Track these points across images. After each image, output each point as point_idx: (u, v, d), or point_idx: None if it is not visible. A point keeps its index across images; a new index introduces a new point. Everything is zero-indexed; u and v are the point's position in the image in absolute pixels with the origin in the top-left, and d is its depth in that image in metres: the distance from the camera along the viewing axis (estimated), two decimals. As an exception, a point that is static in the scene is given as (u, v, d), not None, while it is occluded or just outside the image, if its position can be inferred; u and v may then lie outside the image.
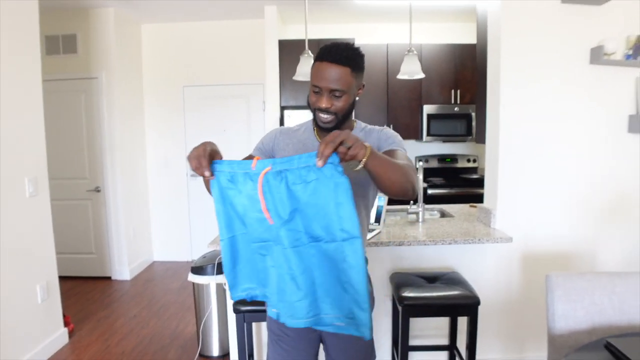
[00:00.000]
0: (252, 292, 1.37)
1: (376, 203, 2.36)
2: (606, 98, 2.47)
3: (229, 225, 1.27)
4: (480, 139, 2.92)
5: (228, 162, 1.22)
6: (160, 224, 5.09)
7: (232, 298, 1.41)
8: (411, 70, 2.76)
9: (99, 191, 4.40)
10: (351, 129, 1.56)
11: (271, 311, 1.37)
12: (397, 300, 2.08)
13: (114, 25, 4.22)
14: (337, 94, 1.38)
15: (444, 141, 4.75)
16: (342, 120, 1.45)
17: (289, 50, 4.31)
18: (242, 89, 4.83)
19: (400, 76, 2.89)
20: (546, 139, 2.48)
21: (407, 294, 2.08)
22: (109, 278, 4.53)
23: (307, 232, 1.20)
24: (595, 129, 2.50)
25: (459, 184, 4.49)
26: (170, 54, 4.84)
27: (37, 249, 2.91)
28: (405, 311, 2.04)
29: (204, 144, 1.22)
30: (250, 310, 2.04)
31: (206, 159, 1.18)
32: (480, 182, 4.51)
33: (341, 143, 1.07)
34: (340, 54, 1.36)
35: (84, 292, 4.14)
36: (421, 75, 2.82)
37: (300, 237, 1.21)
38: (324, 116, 1.42)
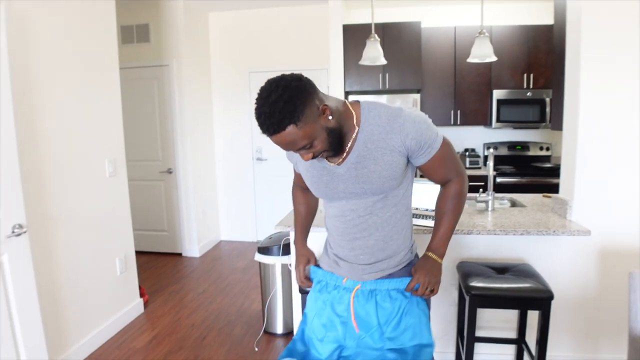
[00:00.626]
0: None
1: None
2: None
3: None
4: (557, 125, 2.76)
5: (322, 273, 1.53)
6: (228, 205, 5.30)
7: None
8: (482, 53, 2.65)
9: (171, 172, 4.65)
10: (354, 116, 1.31)
11: None
12: (465, 290, 2.04)
13: (184, 15, 4.39)
14: (305, 148, 1.23)
15: (515, 128, 4.53)
16: (336, 147, 1.28)
17: (353, 35, 4.28)
18: (306, 74, 4.80)
19: (470, 59, 2.78)
20: (631, 126, 2.30)
21: (475, 283, 2.03)
22: (179, 254, 4.81)
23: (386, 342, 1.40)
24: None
25: (531, 173, 4.29)
26: (236, 40, 4.97)
27: (116, 225, 3.14)
28: (473, 301, 2.00)
29: (299, 265, 1.63)
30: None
31: (302, 280, 1.61)
32: (553, 172, 4.29)
33: (428, 290, 1.41)
34: (271, 124, 1.15)
35: (157, 267, 4.42)
36: (493, 59, 2.70)
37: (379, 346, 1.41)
38: (322, 157, 1.32)
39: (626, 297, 2.35)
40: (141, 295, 3.47)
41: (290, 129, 1.15)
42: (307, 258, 1.63)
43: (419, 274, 1.41)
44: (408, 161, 1.37)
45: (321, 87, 4.73)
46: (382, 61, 3.02)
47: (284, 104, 1.12)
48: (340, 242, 1.45)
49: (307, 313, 1.54)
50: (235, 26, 4.94)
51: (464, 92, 4.46)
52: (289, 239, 2.90)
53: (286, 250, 2.93)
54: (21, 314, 2.23)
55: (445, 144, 1.38)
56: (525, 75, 4.29)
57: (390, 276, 1.43)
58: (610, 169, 2.33)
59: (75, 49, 2.73)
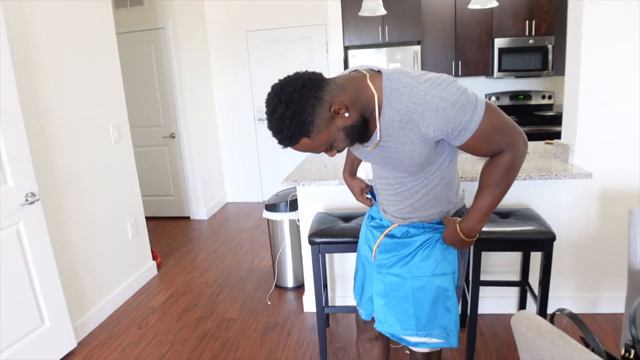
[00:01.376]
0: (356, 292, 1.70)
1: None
2: None
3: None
4: (559, 70, 2.74)
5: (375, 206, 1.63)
6: (232, 167, 5.35)
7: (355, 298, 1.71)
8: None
9: (173, 137, 4.66)
10: (374, 98, 1.20)
11: (360, 312, 1.66)
12: (469, 235, 2.10)
13: (177, -27, 4.28)
14: (327, 150, 1.21)
15: (517, 77, 4.49)
16: (360, 138, 1.23)
17: (351, -13, 4.18)
18: (304, 31, 4.78)
19: (471, 6, 2.73)
20: (631, 72, 2.28)
21: (479, 229, 2.09)
22: (187, 218, 4.90)
23: (413, 271, 1.45)
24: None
25: (533, 122, 4.28)
26: (231, -1, 4.86)
27: (125, 191, 3.19)
28: (478, 245, 2.06)
29: (354, 192, 1.75)
30: (324, 242, 2.15)
31: (365, 199, 1.73)
32: (556, 120, 4.29)
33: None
34: (283, 140, 1.12)
35: (166, 231, 4.52)
36: (494, 4, 2.65)
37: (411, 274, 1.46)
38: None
39: (624, 237, 2.42)
40: (153, 258, 3.57)
41: (304, 141, 1.12)
42: (359, 187, 1.73)
43: (444, 236, 1.41)
44: (441, 140, 1.25)
45: (320, 43, 4.72)
46: (382, 11, 2.96)
47: (290, 121, 1.07)
48: (380, 196, 1.53)
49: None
50: (229, -17, 4.82)
51: (464, 42, 4.39)
52: (295, 195, 2.96)
53: (293, 206, 2.98)
54: (42, 280, 2.33)
55: (488, 117, 1.19)
56: (527, 22, 4.20)
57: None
58: (612, 114, 2.34)
59: (72, 14, 2.68)
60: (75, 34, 2.72)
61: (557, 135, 3.93)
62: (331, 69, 4.35)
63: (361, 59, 4.14)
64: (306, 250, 2.71)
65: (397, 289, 1.45)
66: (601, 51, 2.28)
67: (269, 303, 2.97)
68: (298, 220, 3.00)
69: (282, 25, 4.79)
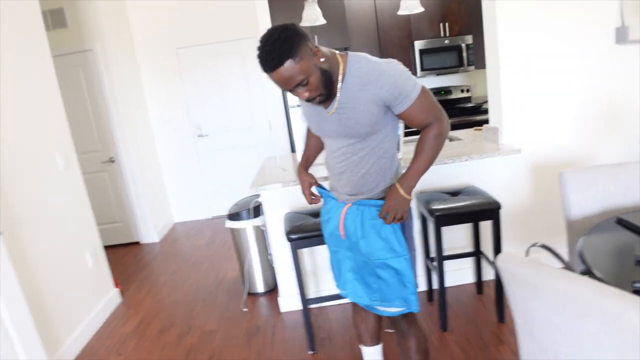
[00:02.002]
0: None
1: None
2: (594, 13, 2.67)
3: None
4: (480, 64, 3.13)
5: (326, 192, 1.80)
6: (175, 186, 5.28)
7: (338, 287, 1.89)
8: (411, 5, 2.91)
9: (113, 161, 4.53)
10: (341, 68, 1.49)
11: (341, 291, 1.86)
12: (429, 213, 2.36)
13: (101, -6, 4.20)
14: (302, 84, 1.40)
15: (438, 74, 4.93)
16: (327, 90, 1.47)
17: (278, 2, 4.36)
18: (236, 45, 4.89)
19: (400, 12, 3.04)
20: (542, 57, 2.70)
21: (437, 206, 2.36)
22: (137, 243, 4.77)
23: (372, 252, 1.66)
24: (586, 43, 2.71)
25: (456, 114, 4.73)
26: (159, 17, 4.83)
27: (79, 219, 3.10)
28: (438, 221, 2.33)
29: (304, 185, 1.89)
30: (300, 237, 2.29)
31: (309, 193, 1.89)
32: (475, 110, 4.78)
33: (396, 219, 1.58)
34: (271, 59, 1.33)
35: (118, 258, 4.38)
36: (420, 9, 2.98)
37: (369, 255, 1.68)
38: (315, 102, 1.49)
39: (554, 199, 2.83)
40: (115, 285, 3.47)
41: (288, 64, 1.33)
42: (308, 182, 1.89)
43: (387, 204, 1.57)
44: (388, 110, 1.54)
45: (253, 56, 4.84)
46: (322, 21, 3.16)
47: (282, 42, 1.31)
48: (331, 175, 1.73)
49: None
50: (156, 3, 4.79)
51: (388, 46, 4.74)
52: (258, 202, 3.07)
53: (256, 213, 3.09)
54: (13, 318, 2.23)
55: (425, 94, 1.52)
56: (441, 24, 4.65)
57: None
58: (530, 96, 2.74)
59: (6, 38, 2.59)
60: (10, 59, 2.62)
61: (479, 123, 4.41)
62: (266, 82, 4.49)
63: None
64: (278, 252, 2.83)
65: (361, 267, 1.71)
66: (514, 43, 2.67)
67: (244, 310, 3.04)
68: (263, 226, 3.11)
69: (213, 40, 4.86)
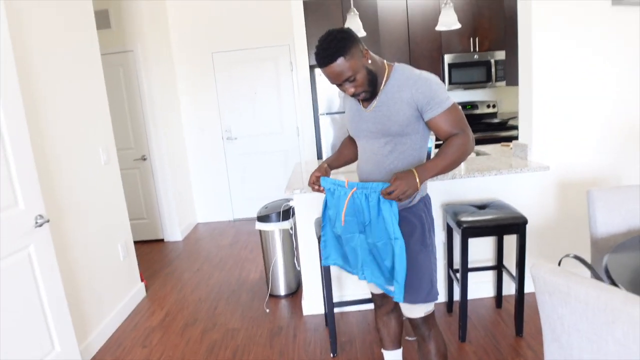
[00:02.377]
0: (337, 262, 1.92)
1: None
2: (628, 35, 2.69)
3: (325, 217, 1.87)
4: (511, 81, 3.17)
5: (331, 181, 1.77)
6: (201, 188, 5.42)
7: (323, 264, 1.97)
8: (448, 22, 2.97)
9: (145, 159, 4.69)
10: (386, 72, 1.66)
11: (353, 273, 1.87)
12: (456, 224, 2.40)
13: (144, -1, 4.39)
14: (349, 80, 1.58)
15: (465, 88, 4.97)
16: (372, 88, 1.63)
17: (314, 10, 4.49)
18: (270, 51, 5.03)
19: (438, 28, 3.10)
20: (575, 76, 2.73)
21: (465, 218, 2.40)
22: (161, 240, 4.90)
23: (375, 234, 1.68)
24: (619, 65, 2.73)
25: (481, 129, 4.75)
26: (196, 22, 5.01)
27: (115, 212, 3.23)
28: (465, 233, 2.37)
29: (314, 172, 1.82)
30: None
31: (313, 180, 1.81)
32: (500, 126, 4.80)
33: (398, 197, 1.55)
34: (326, 56, 1.52)
35: (143, 254, 4.51)
36: (458, 26, 3.03)
37: (374, 237, 1.69)
38: (359, 97, 1.66)
39: (580, 217, 2.84)
40: (140, 279, 3.59)
41: (340, 61, 1.51)
42: (324, 169, 1.85)
43: (398, 181, 1.54)
44: (419, 118, 1.64)
45: (285, 63, 4.98)
46: (362, 33, 3.24)
47: (337, 42, 1.51)
48: (361, 177, 1.83)
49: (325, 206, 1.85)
50: (195, 7, 4.98)
51: (418, 58, 4.82)
52: (287, 205, 3.15)
53: (285, 216, 3.17)
54: (51, 304, 2.35)
55: (455, 108, 1.62)
56: (471, 39, 4.71)
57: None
58: (560, 115, 2.76)
59: (61, 38, 2.75)
60: (67, 59, 2.78)
61: (503, 139, 4.44)
62: (298, 88, 4.60)
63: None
64: (305, 255, 2.90)
65: (372, 248, 1.72)
66: (548, 62, 2.70)
67: (267, 311, 3.11)
68: (291, 229, 3.19)
69: (248, 46, 5.01)
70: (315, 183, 1.81)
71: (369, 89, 1.62)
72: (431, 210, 1.82)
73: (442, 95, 1.60)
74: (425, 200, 1.81)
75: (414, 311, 1.76)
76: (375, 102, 1.68)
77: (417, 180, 1.55)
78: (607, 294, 1.02)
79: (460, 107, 1.69)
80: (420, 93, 1.59)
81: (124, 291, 3.25)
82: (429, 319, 1.79)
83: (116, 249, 3.20)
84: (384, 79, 1.66)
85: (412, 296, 1.72)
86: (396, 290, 1.66)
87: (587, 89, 2.75)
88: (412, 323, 1.81)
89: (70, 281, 2.62)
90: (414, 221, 1.73)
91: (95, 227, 2.94)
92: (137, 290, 3.43)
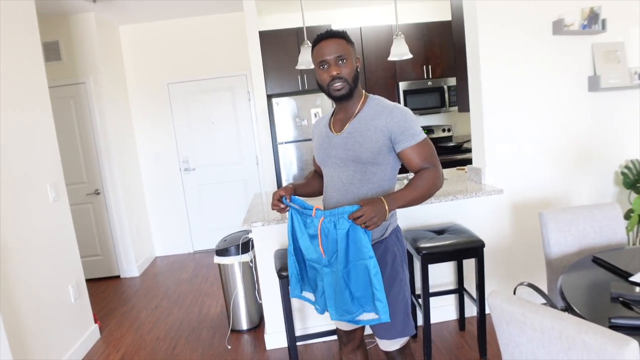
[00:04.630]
0: (306, 295, 1.81)
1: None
2: (569, 63, 2.88)
3: (294, 239, 1.74)
4: (463, 107, 3.28)
5: (300, 202, 1.70)
6: (159, 220, 5.25)
7: (291, 296, 1.81)
8: (400, 52, 3.06)
9: (98, 194, 4.51)
10: (362, 99, 1.72)
11: (316, 307, 1.76)
12: (416, 251, 2.42)
13: (96, 29, 4.30)
14: (341, 61, 1.63)
15: (421, 114, 5.12)
16: (353, 86, 1.67)
17: (270, 41, 4.53)
18: (226, 81, 5.01)
19: (391, 58, 3.19)
20: (522, 103, 2.87)
21: (424, 244, 2.42)
22: (117, 277, 4.68)
23: (345, 260, 1.61)
24: (563, 91, 2.90)
25: (438, 153, 4.78)
26: (151, 53, 4.95)
27: (65, 251, 3.06)
28: (424, 259, 2.39)
29: (279, 191, 1.71)
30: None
31: (276, 200, 1.70)
32: (456, 149, 4.94)
33: (365, 224, 1.49)
34: (331, 32, 1.66)
35: (98, 292, 4.28)
36: (409, 56, 3.13)
37: (341, 265, 1.61)
38: (336, 85, 1.64)
39: (534, 237, 2.92)
40: (94, 321, 3.40)
41: (342, 41, 1.64)
42: (290, 189, 1.73)
43: (367, 207, 1.49)
44: (391, 149, 1.63)
45: (242, 92, 4.98)
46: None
47: (345, 33, 1.68)
48: (326, 205, 1.78)
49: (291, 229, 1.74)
50: (149, 38, 4.92)
51: (373, 86, 4.92)
52: (247, 237, 3.09)
53: (245, 249, 3.10)
54: (-8, 352, 2.17)
55: (427, 142, 1.65)
56: (424, 67, 4.88)
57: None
58: (509, 140, 2.88)
59: (6, 70, 2.63)
60: (9, 90, 2.65)
61: (460, 162, 4.57)
62: (257, 116, 4.59)
63: (285, 106, 4.45)
64: (266, 288, 2.84)
65: (339, 278, 1.63)
66: (496, 89, 2.83)
67: (229, 347, 3.00)
68: (251, 262, 3.12)
69: (204, 76, 4.98)
70: (280, 201, 1.70)
71: (349, 83, 1.65)
72: (403, 242, 1.80)
73: (416, 128, 1.63)
74: (397, 232, 1.78)
75: (390, 345, 1.74)
76: (347, 128, 1.69)
77: (386, 208, 1.51)
78: (560, 322, 1.03)
79: (432, 143, 1.70)
80: (396, 122, 1.61)
81: (75, 335, 3.05)
82: (405, 349, 1.77)
83: (66, 290, 3.02)
84: (359, 104, 1.70)
85: (388, 332, 1.69)
86: (380, 310, 1.57)
87: (534, 114, 2.89)
88: (388, 356, 1.78)
89: (14, 327, 2.44)
90: (385, 257, 1.70)
91: (42, 269, 2.77)
92: (90, 333, 3.23)
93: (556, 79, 2.88)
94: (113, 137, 4.47)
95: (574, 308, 1.44)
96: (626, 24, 2.90)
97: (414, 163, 1.64)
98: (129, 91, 4.99)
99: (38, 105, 2.95)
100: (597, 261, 1.84)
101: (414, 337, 2.84)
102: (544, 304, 1.27)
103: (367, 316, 1.65)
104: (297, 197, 1.73)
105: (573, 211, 2.17)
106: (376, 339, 1.77)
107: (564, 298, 1.55)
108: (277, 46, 4.55)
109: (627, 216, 2.81)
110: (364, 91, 1.76)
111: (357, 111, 1.70)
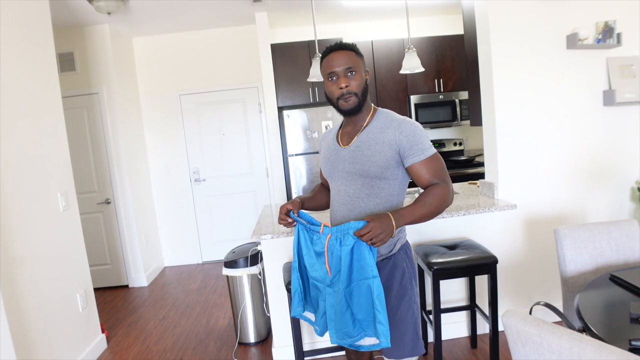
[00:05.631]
0: (307, 315, 1.76)
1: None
2: (583, 77, 2.84)
3: (299, 255, 1.71)
4: (475, 121, 3.25)
5: (308, 217, 1.67)
6: (168, 230, 5.25)
7: (292, 314, 1.76)
8: (412, 66, 3.05)
9: (109, 203, 4.53)
10: (371, 112, 1.69)
11: (315, 329, 1.73)
12: (427, 266, 2.38)
13: (110, 41, 4.36)
14: (350, 73, 1.61)
15: (432, 128, 5.09)
16: (362, 100, 1.64)
17: (281, 53, 4.56)
18: (238, 93, 5.04)
19: (402, 71, 3.18)
20: (536, 117, 2.83)
21: (435, 260, 2.38)
22: (126, 286, 4.68)
23: (348, 279, 1.56)
24: (577, 105, 2.86)
25: (449, 166, 4.84)
26: (163, 64, 5.00)
27: (74, 261, 3.06)
28: (436, 275, 2.34)
29: (286, 205, 1.67)
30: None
31: (283, 214, 1.66)
32: (467, 163, 4.90)
33: (371, 240, 1.46)
34: (341, 45, 1.64)
35: (106, 302, 4.28)
36: (421, 69, 3.11)
37: (343, 284, 1.56)
38: (345, 98, 1.61)
39: (549, 253, 2.87)
40: (101, 330, 3.38)
41: (352, 52, 1.63)
42: (297, 204, 1.70)
43: (374, 223, 1.45)
44: (400, 163, 1.61)
45: (253, 104, 5.00)
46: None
47: (355, 46, 1.66)
48: (334, 220, 1.75)
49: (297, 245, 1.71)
50: (162, 50, 4.98)
51: (385, 99, 4.92)
52: (255, 250, 3.07)
53: (254, 261, 3.08)
54: (-2, 361, 2.16)
55: (437, 157, 1.61)
56: (436, 80, 4.86)
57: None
58: (525, 154, 2.84)
59: (21, 80, 2.66)
60: (26, 101, 2.69)
61: (471, 176, 4.52)
62: (267, 128, 4.60)
63: (295, 118, 4.45)
64: (274, 301, 2.80)
65: (340, 300, 1.58)
66: (509, 103, 2.80)
67: (236, 360, 2.96)
68: (259, 274, 3.10)
69: (215, 88, 5.01)
70: (287, 215, 1.66)
71: (358, 97, 1.62)
72: (412, 258, 1.76)
73: (425, 143, 1.60)
74: (406, 248, 1.74)
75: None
76: (355, 141, 1.66)
77: (394, 224, 1.47)
78: (579, 345, 0.99)
79: (442, 158, 1.66)
80: (405, 137, 1.58)
81: (82, 344, 3.04)
82: None
83: (74, 299, 3.01)
84: (368, 117, 1.68)
85: (396, 351, 1.64)
86: (381, 334, 1.50)
87: (547, 128, 2.85)
88: None
89: (21, 336, 2.43)
90: (394, 274, 1.66)
91: (51, 278, 2.77)
92: (97, 343, 3.22)
93: (570, 93, 2.84)
94: (124, 146, 4.50)
95: (592, 329, 1.39)
96: (642, 38, 2.86)
97: (423, 178, 1.61)
98: (141, 102, 5.04)
99: (51, 115, 2.98)
100: (615, 280, 1.78)
101: (424, 355, 2.78)
102: (558, 322, 1.23)
103: (368, 341, 1.61)
104: (304, 211, 1.70)
105: (589, 228, 2.11)
106: (384, 358, 1.73)
107: (581, 318, 1.50)
108: (289, 59, 4.58)
109: (644, 233, 2.74)
110: (372, 104, 1.73)
111: (365, 124, 1.67)
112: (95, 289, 4.56)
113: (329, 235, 1.58)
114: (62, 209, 2.96)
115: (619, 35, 2.76)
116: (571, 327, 1.21)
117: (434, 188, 1.58)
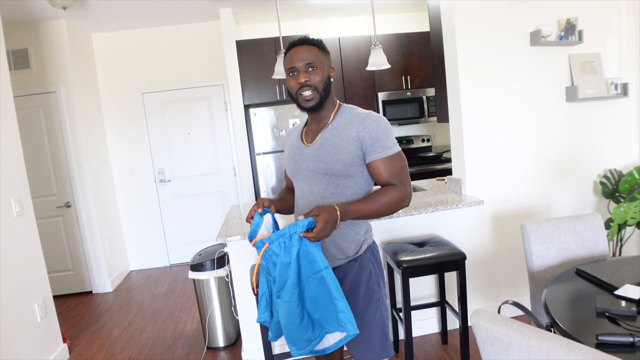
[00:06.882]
0: (267, 320, 1.65)
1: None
2: (547, 74, 2.89)
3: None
4: (442, 118, 3.27)
5: (273, 221, 1.58)
6: (133, 233, 5.08)
7: (258, 320, 1.66)
8: (378, 62, 3.03)
9: (69, 206, 4.34)
10: (335, 109, 1.64)
11: (270, 336, 1.66)
12: (396, 265, 2.36)
13: (67, 37, 4.16)
14: (311, 68, 1.55)
15: (400, 124, 5.11)
16: (324, 96, 1.57)
17: (247, 50, 4.46)
18: (203, 91, 4.92)
19: (369, 68, 3.16)
20: (501, 113, 2.86)
21: (404, 258, 2.36)
22: (89, 292, 4.50)
23: (297, 279, 1.46)
24: (541, 101, 2.91)
25: (417, 163, 4.87)
26: (125, 61, 4.82)
27: (30, 269, 2.90)
28: (405, 273, 2.33)
29: (255, 205, 1.58)
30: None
31: (254, 211, 1.55)
32: (435, 159, 4.94)
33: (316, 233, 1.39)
34: (304, 40, 1.60)
35: (69, 309, 4.10)
36: (387, 66, 3.10)
37: (292, 289, 1.46)
38: (305, 93, 1.55)
39: (516, 248, 2.90)
40: (63, 340, 3.23)
41: (315, 48, 1.57)
42: (262, 203, 1.59)
43: (323, 214, 1.41)
44: (363, 160, 1.56)
45: (219, 102, 4.88)
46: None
47: (319, 41, 1.61)
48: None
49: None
50: (123, 47, 4.80)
51: (352, 97, 4.90)
52: (222, 252, 2.99)
53: (220, 263, 3.00)
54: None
55: (399, 157, 1.56)
56: (403, 77, 4.88)
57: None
58: (489, 151, 2.87)
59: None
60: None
61: (439, 172, 4.56)
62: (234, 126, 4.50)
63: (263, 116, 4.37)
64: (243, 304, 2.73)
65: (295, 307, 1.49)
66: (475, 100, 2.82)
67: (205, 366, 2.88)
68: (227, 277, 3.02)
69: (179, 86, 4.87)
70: (247, 217, 1.58)
71: (319, 93, 1.56)
72: (380, 259, 1.72)
73: (388, 140, 1.55)
74: (373, 249, 1.70)
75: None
76: (319, 138, 1.61)
77: (338, 216, 1.42)
78: (548, 344, 0.98)
79: (405, 158, 1.60)
80: (367, 132, 1.53)
81: (42, 356, 2.88)
82: None
83: (32, 309, 2.86)
84: (332, 114, 1.63)
85: (365, 354, 1.60)
86: (346, 322, 1.41)
87: (513, 124, 2.89)
88: None
89: (-29, 353, 2.28)
90: (361, 276, 1.62)
91: (5, 288, 2.61)
92: (58, 354, 3.06)
93: (534, 89, 2.89)
94: (85, 147, 4.32)
95: (560, 324, 1.40)
96: (602, 35, 2.93)
97: (381, 177, 1.56)
98: (102, 100, 4.84)
99: (1, 115, 2.80)
100: (581, 274, 1.81)
101: (396, 351, 2.77)
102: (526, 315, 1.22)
103: (333, 337, 1.53)
104: (272, 213, 1.59)
105: (555, 223, 2.14)
106: None
107: (548, 313, 1.50)
108: (255, 56, 4.49)
109: (607, 225, 2.82)
110: (338, 101, 1.68)
111: (329, 121, 1.62)
112: (57, 297, 4.38)
113: (266, 245, 1.47)
114: (16, 214, 2.80)
115: (580, 32, 2.81)
116: (539, 325, 1.20)
117: (390, 189, 1.54)
